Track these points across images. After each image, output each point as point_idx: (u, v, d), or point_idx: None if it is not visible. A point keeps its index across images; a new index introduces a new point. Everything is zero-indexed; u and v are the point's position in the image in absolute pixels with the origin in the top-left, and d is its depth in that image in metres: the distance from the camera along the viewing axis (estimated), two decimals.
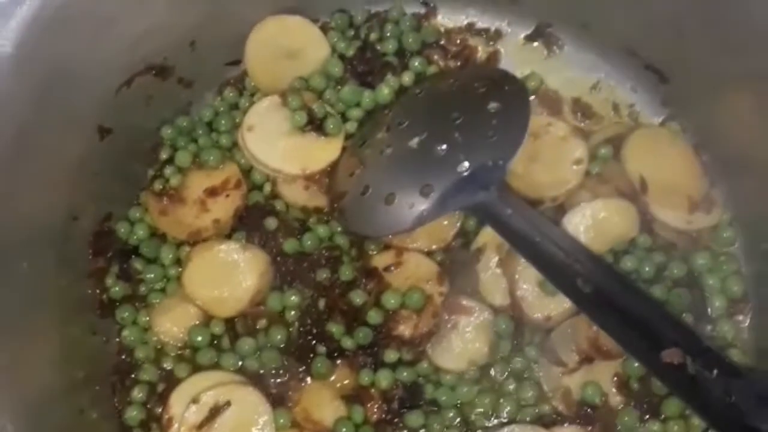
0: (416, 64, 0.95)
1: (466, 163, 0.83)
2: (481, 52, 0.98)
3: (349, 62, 0.96)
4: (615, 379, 0.86)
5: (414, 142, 0.86)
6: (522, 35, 0.98)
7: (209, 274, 0.88)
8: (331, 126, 0.91)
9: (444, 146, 0.84)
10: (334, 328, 0.86)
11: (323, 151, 0.92)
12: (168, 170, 0.93)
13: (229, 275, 0.88)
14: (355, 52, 0.96)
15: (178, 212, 0.91)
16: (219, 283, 0.88)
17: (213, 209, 0.91)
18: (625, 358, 0.85)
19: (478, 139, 0.84)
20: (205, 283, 0.88)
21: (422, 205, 0.83)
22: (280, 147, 0.92)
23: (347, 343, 0.86)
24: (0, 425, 0.71)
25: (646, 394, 0.85)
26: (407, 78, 0.95)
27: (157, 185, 0.93)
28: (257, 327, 0.89)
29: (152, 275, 0.91)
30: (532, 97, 0.95)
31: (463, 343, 0.87)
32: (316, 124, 0.92)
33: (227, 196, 0.91)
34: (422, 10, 0.98)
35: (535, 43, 0.98)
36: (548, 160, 0.90)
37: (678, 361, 0.73)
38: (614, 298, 0.79)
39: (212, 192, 0.92)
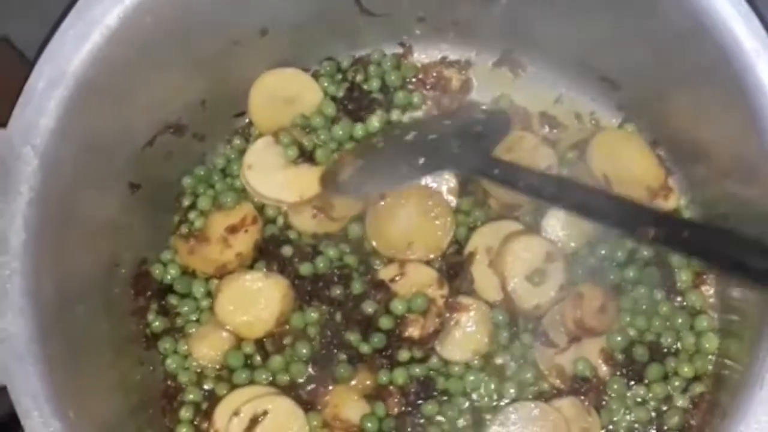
0: (399, 97, 1.05)
1: (457, 141, 0.94)
2: (455, 81, 1.07)
3: (340, 102, 1.04)
4: (601, 353, 0.94)
5: (410, 136, 0.98)
6: (490, 62, 1.07)
7: (237, 302, 0.97)
8: (320, 155, 1.01)
9: (436, 135, 0.96)
10: (352, 337, 0.95)
11: (316, 178, 1.00)
12: (192, 215, 1.02)
13: (254, 301, 0.96)
14: (345, 93, 1.05)
15: (205, 250, 1.00)
16: (247, 309, 0.96)
17: (235, 245, 0.99)
18: (608, 334, 0.93)
19: (466, 129, 0.96)
20: (234, 311, 0.97)
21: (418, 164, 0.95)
22: (278, 179, 1.00)
23: (364, 348, 0.95)
24: None
25: (630, 363, 0.94)
26: (395, 115, 1.04)
27: (184, 229, 1.02)
28: (284, 344, 0.97)
29: (187, 308, 1.00)
30: None
31: (466, 337, 0.95)
32: (306, 156, 1.01)
33: (246, 231, 1.00)
34: (400, 50, 1.07)
35: (502, 68, 1.07)
36: None
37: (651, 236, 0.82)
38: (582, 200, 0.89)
39: (232, 229, 1.00)
